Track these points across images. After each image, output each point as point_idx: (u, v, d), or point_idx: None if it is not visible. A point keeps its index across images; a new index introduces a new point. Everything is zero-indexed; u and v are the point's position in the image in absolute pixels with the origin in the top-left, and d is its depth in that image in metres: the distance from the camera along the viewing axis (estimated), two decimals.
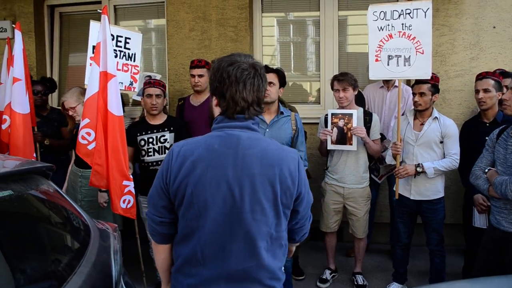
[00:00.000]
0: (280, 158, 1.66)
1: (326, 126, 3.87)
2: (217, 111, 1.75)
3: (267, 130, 3.55)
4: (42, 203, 2.27)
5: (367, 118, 3.88)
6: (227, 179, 1.61)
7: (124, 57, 4.13)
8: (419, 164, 3.58)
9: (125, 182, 3.51)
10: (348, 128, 3.73)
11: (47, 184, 2.35)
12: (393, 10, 3.65)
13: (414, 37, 3.60)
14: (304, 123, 3.86)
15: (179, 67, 5.29)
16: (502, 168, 2.78)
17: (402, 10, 3.62)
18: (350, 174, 3.88)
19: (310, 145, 4.79)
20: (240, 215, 1.61)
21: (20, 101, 3.93)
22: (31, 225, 2.07)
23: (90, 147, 3.52)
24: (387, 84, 4.56)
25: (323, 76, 5.23)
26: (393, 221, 4.34)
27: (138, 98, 4.32)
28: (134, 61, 4.21)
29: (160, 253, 1.86)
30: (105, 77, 3.48)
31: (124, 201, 3.53)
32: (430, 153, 3.63)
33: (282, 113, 3.61)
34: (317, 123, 4.23)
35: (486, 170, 2.91)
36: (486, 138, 3.10)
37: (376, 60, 3.73)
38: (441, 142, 3.61)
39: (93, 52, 3.79)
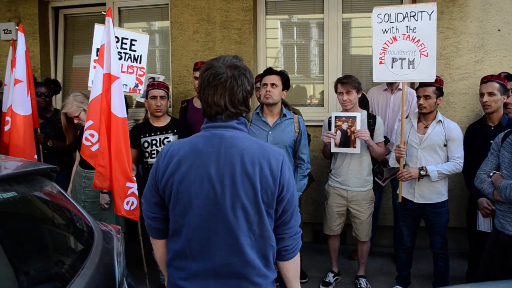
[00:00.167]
0: (262, 156, 1.68)
1: (329, 128, 3.86)
2: None
3: (270, 132, 3.54)
4: (45, 205, 2.27)
5: (371, 121, 3.86)
6: (209, 176, 1.66)
7: (129, 59, 4.13)
8: (422, 167, 3.57)
9: (128, 184, 3.52)
10: (352, 131, 3.72)
11: (51, 186, 2.36)
12: (398, 13, 3.64)
13: (419, 40, 3.59)
14: (307, 126, 3.86)
15: (182, 69, 5.30)
16: (507, 172, 2.77)
17: (406, 13, 3.61)
18: (353, 177, 3.87)
19: (314, 147, 4.78)
20: (221, 211, 1.66)
21: (21, 103, 3.94)
22: (34, 226, 2.07)
23: (94, 148, 3.53)
24: (391, 87, 4.55)
25: (327, 78, 5.22)
26: (396, 224, 4.32)
27: (142, 100, 4.32)
28: (140, 63, 4.20)
29: (158, 248, 1.97)
30: (108, 79, 3.49)
31: (127, 203, 3.53)
32: (434, 156, 3.61)
33: (285, 115, 3.60)
34: (321, 126, 4.22)
35: (491, 174, 2.90)
36: (491, 141, 3.08)
37: (380, 62, 3.72)
38: (445, 145, 3.59)
39: (97, 55, 3.80)
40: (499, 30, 4.60)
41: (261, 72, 4.02)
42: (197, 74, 4.09)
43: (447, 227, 3.73)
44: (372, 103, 4.67)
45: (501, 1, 4.58)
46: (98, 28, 4.00)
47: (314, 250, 4.98)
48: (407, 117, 3.92)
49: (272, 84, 3.50)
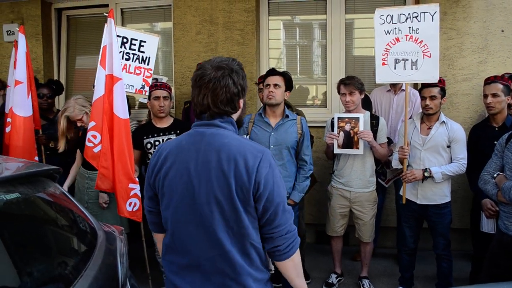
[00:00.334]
0: (238, 153, 1.69)
1: (332, 130, 3.86)
2: None
3: (272, 133, 3.54)
4: (49, 206, 2.27)
5: (374, 122, 3.86)
6: (188, 172, 1.72)
7: (137, 60, 4.13)
8: (426, 168, 3.56)
9: (131, 185, 3.52)
10: (355, 132, 3.71)
11: (54, 187, 2.36)
12: (400, 14, 3.63)
13: (422, 41, 3.58)
14: (310, 127, 3.85)
15: (185, 70, 5.30)
16: (511, 173, 2.76)
17: (409, 14, 3.60)
18: (356, 178, 3.87)
19: (317, 148, 4.78)
20: (197, 206, 1.71)
21: (22, 104, 3.95)
22: (37, 227, 2.07)
23: (96, 149, 3.54)
24: (394, 87, 4.55)
25: (330, 79, 5.22)
26: (399, 226, 4.31)
27: (145, 101, 4.33)
28: (148, 64, 4.20)
29: (158, 241, 2.05)
30: (111, 80, 3.49)
31: (130, 204, 3.54)
32: (437, 157, 3.60)
33: (287, 116, 3.60)
34: (324, 127, 4.22)
35: (495, 175, 2.89)
36: (495, 142, 3.07)
37: (383, 63, 3.71)
38: (448, 146, 3.58)
39: None
40: (502, 31, 4.59)
41: (264, 73, 4.02)
42: None
43: (451, 228, 3.72)
44: (375, 104, 4.66)
45: (505, 2, 4.57)
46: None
47: (317, 251, 4.97)
48: (410, 118, 3.91)
49: (275, 85, 3.50)
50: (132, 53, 4.12)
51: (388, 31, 3.68)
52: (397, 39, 3.66)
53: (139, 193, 3.57)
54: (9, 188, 1.93)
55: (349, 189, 3.90)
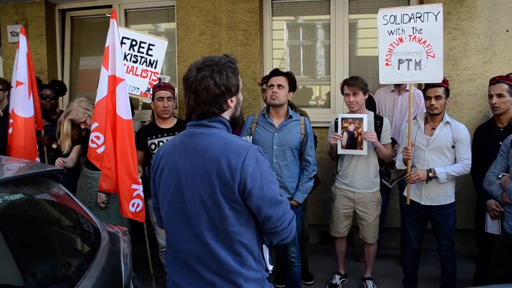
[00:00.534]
0: (222, 152, 1.70)
1: (336, 130, 3.85)
2: None
3: (276, 133, 3.53)
4: (52, 207, 2.28)
5: (378, 123, 3.85)
6: (178, 171, 1.78)
7: (144, 63, 4.16)
8: (431, 169, 3.54)
9: (134, 186, 3.53)
10: (359, 132, 3.70)
11: (57, 188, 2.37)
12: (404, 14, 3.62)
13: (425, 41, 3.57)
14: (314, 127, 3.84)
15: None
16: None
17: (412, 14, 3.59)
18: (360, 179, 3.86)
19: (320, 149, 4.77)
20: (185, 204, 1.75)
21: (23, 105, 3.95)
22: (41, 228, 2.08)
23: (99, 150, 3.54)
24: (398, 88, 4.53)
25: (333, 79, 5.21)
26: (403, 226, 4.30)
27: (148, 101, 4.33)
28: (155, 68, 4.23)
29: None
30: (113, 81, 3.49)
31: (133, 205, 3.55)
32: (442, 158, 3.59)
33: (291, 117, 3.59)
34: (327, 127, 4.21)
35: (500, 176, 2.88)
36: (500, 143, 3.06)
37: (387, 64, 3.70)
38: (453, 147, 3.56)
39: None
40: (507, 31, 4.56)
41: (267, 73, 4.02)
42: None
43: (455, 229, 3.71)
44: (379, 105, 4.65)
45: (510, 2, 4.55)
46: (121, 31, 4.05)
47: (321, 252, 4.96)
48: (414, 119, 3.90)
49: (279, 85, 3.49)
50: (140, 56, 4.14)
51: (391, 31, 3.67)
52: (401, 40, 3.64)
53: (142, 194, 3.57)
54: (13, 189, 1.93)
55: (353, 189, 3.89)
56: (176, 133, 3.79)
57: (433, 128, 3.63)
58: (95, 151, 3.57)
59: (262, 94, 4.45)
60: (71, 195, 2.47)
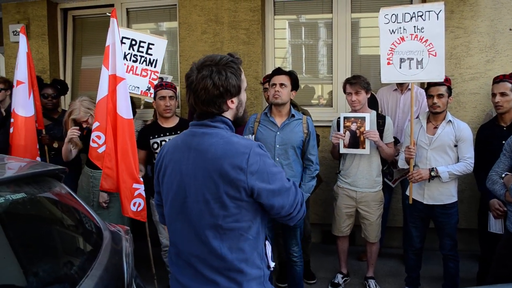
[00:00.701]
0: (224, 152, 1.70)
1: (338, 129, 3.84)
2: None
3: (278, 133, 3.52)
4: (54, 206, 2.28)
5: (380, 122, 3.84)
6: (180, 171, 1.78)
7: (144, 62, 4.16)
8: (433, 168, 3.53)
9: (135, 185, 3.52)
10: (361, 131, 3.69)
11: (59, 187, 2.36)
12: (405, 13, 3.61)
13: (427, 40, 3.56)
14: (316, 126, 3.83)
15: None
16: None
17: (414, 13, 3.59)
18: (362, 178, 3.85)
19: (323, 148, 4.76)
20: (186, 204, 1.76)
21: (23, 104, 3.95)
22: (44, 227, 2.08)
23: (100, 150, 3.54)
24: (401, 87, 4.52)
25: (336, 78, 5.20)
26: (405, 226, 4.29)
27: (150, 100, 4.34)
28: (154, 67, 4.23)
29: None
30: (114, 80, 3.49)
31: (134, 204, 3.54)
32: (444, 157, 3.58)
33: (293, 116, 3.58)
34: (330, 126, 4.20)
35: (503, 175, 2.87)
36: (503, 142, 3.05)
37: (388, 63, 3.70)
38: (455, 145, 3.55)
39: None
40: (510, 30, 4.55)
41: (270, 72, 4.01)
42: None
43: (457, 228, 3.70)
44: (381, 103, 4.64)
45: None
46: (121, 30, 4.05)
47: (323, 251, 4.96)
48: (417, 118, 3.89)
49: (281, 84, 3.48)
50: (140, 55, 4.15)
51: (393, 30, 3.66)
52: (402, 38, 3.64)
53: (143, 193, 3.57)
54: (15, 188, 1.93)
55: (355, 189, 3.88)
56: (179, 132, 3.79)
57: (436, 127, 3.62)
58: (96, 151, 3.57)
59: (264, 93, 4.44)
60: (73, 194, 2.47)
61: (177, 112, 4.27)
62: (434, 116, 3.64)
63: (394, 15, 3.65)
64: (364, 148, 3.72)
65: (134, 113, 4.45)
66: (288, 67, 5.30)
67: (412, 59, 3.62)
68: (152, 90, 4.14)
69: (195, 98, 1.78)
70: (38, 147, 4.04)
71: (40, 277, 1.72)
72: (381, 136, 3.75)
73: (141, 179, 3.58)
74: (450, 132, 3.56)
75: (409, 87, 4.38)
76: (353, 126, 3.72)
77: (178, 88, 4.80)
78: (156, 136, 3.78)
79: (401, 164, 3.82)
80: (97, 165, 3.59)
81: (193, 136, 1.80)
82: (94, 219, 2.43)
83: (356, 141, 3.73)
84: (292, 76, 3.56)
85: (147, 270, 3.83)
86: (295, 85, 3.59)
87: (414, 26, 3.59)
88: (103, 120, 3.52)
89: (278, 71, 3.59)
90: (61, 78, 5.86)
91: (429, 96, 3.61)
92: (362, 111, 3.79)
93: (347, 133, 3.74)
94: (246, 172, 1.67)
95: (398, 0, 4.97)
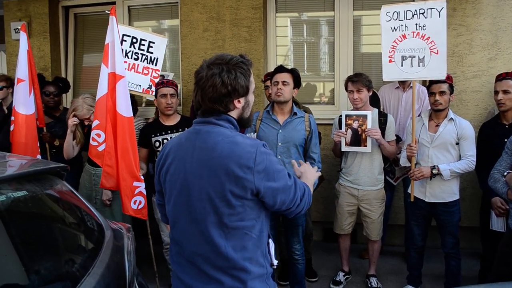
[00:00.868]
0: (231, 151, 1.70)
1: (340, 127, 3.84)
2: None
3: (280, 130, 3.52)
4: (56, 204, 2.28)
5: (382, 119, 3.83)
6: (185, 169, 1.78)
7: (145, 61, 4.17)
8: (434, 166, 3.53)
9: (135, 183, 3.52)
10: (363, 129, 3.69)
11: (61, 184, 2.37)
12: (407, 10, 3.60)
13: (429, 37, 3.55)
14: (318, 124, 3.83)
15: (192, 67, 5.29)
16: None
17: (415, 10, 3.57)
18: (364, 176, 3.84)
19: (324, 146, 4.75)
20: (192, 202, 1.75)
21: (23, 102, 3.95)
22: (45, 225, 2.08)
23: (100, 148, 3.54)
24: (403, 85, 4.51)
25: (337, 76, 5.19)
26: (407, 224, 4.29)
27: (152, 98, 4.34)
28: (155, 65, 4.24)
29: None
30: (113, 78, 3.48)
31: (135, 202, 3.54)
32: (446, 155, 3.57)
33: (295, 113, 3.58)
34: (331, 124, 4.19)
35: (505, 173, 2.86)
36: (505, 140, 3.04)
37: (390, 61, 3.68)
38: (457, 143, 3.55)
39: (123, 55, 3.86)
40: None
41: (271, 70, 4.00)
42: None
43: (459, 226, 3.69)
44: (383, 101, 4.63)
45: None
46: (121, 28, 4.05)
47: (325, 249, 4.96)
48: (419, 116, 3.88)
49: (284, 82, 3.48)
50: (141, 53, 4.15)
51: (394, 28, 3.65)
52: (404, 36, 3.63)
53: (144, 191, 3.56)
54: (17, 186, 1.93)
55: (357, 187, 3.88)
56: (180, 130, 3.79)
57: (437, 125, 3.61)
58: (96, 149, 3.56)
59: (265, 91, 4.43)
60: (74, 192, 2.47)
61: (178, 110, 4.27)
62: (436, 114, 3.63)
63: (396, 13, 3.63)
64: (365, 146, 3.71)
65: (136, 111, 4.46)
66: (289, 65, 5.28)
67: (414, 56, 3.61)
68: (153, 88, 4.14)
69: (202, 94, 1.78)
70: (39, 145, 4.04)
71: (42, 275, 1.72)
72: (383, 134, 3.74)
73: (142, 177, 3.58)
74: (452, 130, 3.55)
75: (411, 85, 4.38)
76: (355, 124, 3.72)
77: (179, 86, 4.80)
78: (158, 135, 3.78)
79: (403, 162, 3.81)
80: (97, 163, 3.59)
81: (197, 134, 1.79)
82: (95, 217, 2.43)
83: (357, 139, 3.72)
84: (295, 74, 3.56)
85: (148, 268, 3.83)
86: (297, 83, 3.59)
87: (416, 24, 3.58)
88: (103, 118, 3.51)
89: (280, 69, 3.58)
90: (63, 76, 5.85)
91: (431, 94, 3.60)
92: (364, 109, 3.78)
93: (349, 131, 3.74)
94: (253, 171, 1.68)
95: None
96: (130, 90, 4.07)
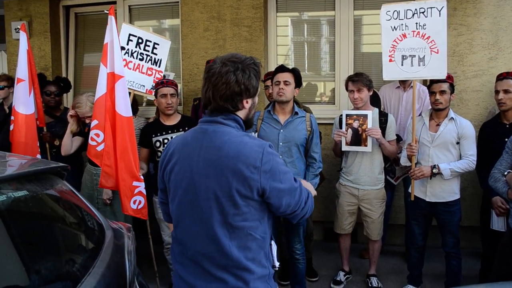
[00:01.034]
0: (238, 151, 1.70)
1: (340, 127, 3.83)
2: None
3: (281, 130, 3.52)
4: (56, 203, 2.28)
5: (383, 119, 3.83)
6: (191, 168, 1.77)
7: (150, 62, 4.19)
8: (435, 165, 3.53)
9: (135, 183, 3.51)
10: (363, 129, 3.68)
11: (61, 184, 2.37)
12: (407, 10, 3.60)
13: (429, 37, 3.54)
14: (318, 124, 3.82)
15: (193, 67, 5.30)
16: None
17: (416, 9, 3.57)
18: (365, 176, 3.84)
19: (325, 145, 4.75)
20: (198, 202, 1.75)
21: (23, 101, 3.95)
22: (46, 225, 2.08)
23: (99, 148, 3.54)
24: (404, 84, 4.51)
25: (338, 76, 5.19)
26: (408, 223, 4.29)
27: (152, 98, 4.34)
28: (159, 66, 4.27)
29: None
30: (112, 78, 3.48)
31: (134, 202, 3.53)
32: (446, 154, 3.57)
33: (297, 113, 3.57)
34: (332, 124, 4.19)
35: (506, 173, 2.86)
36: (506, 139, 3.04)
37: (390, 60, 3.68)
38: (458, 143, 3.54)
39: (124, 54, 3.87)
40: None
41: (272, 69, 4.00)
42: None
43: (460, 226, 3.69)
44: (384, 101, 4.63)
45: None
46: (125, 27, 4.06)
47: (325, 249, 4.96)
48: (419, 115, 3.87)
49: (285, 82, 3.47)
50: (146, 54, 4.17)
51: (394, 27, 3.65)
52: (404, 35, 3.63)
53: (143, 191, 3.56)
54: (17, 185, 1.93)
55: (358, 186, 3.88)
56: (181, 130, 3.79)
57: (438, 125, 3.61)
58: (95, 149, 3.56)
59: (265, 91, 4.43)
60: (75, 191, 2.47)
61: (178, 110, 4.27)
62: (437, 113, 3.63)
63: (396, 12, 3.63)
64: (366, 145, 3.71)
65: (136, 110, 4.46)
66: (290, 65, 5.28)
67: (414, 56, 3.60)
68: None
69: (214, 91, 1.77)
70: (39, 144, 4.04)
71: (42, 274, 1.72)
72: (383, 134, 3.74)
73: (142, 177, 3.57)
74: (453, 129, 3.55)
75: (412, 84, 4.37)
76: (355, 124, 3.72)
77: (179, 86, 4.80)
78: (159, 135, 3.78)
79: (404, 161, 3.81)
80: (96, 163, 3.59)
81: (204, 133, 1.79)
82: (96, 217, 2.43)
83: (358, 139, 3.72)
84: (296, 73, 3.56)
85: (149, 267, 3.83)
86: (298, 83, 3.58)
87: (416, 23, 3.57)
88: (102, 118, 3.51)
89: (282, 69, 3.58)
90: (63, 75, 5.85)
91: (432, 93, 3.60)
92: (364, 109, 3.78)
93: (349, 130, 3.74)
94: (260, 170, 1.69)
95: None
96: (134, 90, 4.10)
